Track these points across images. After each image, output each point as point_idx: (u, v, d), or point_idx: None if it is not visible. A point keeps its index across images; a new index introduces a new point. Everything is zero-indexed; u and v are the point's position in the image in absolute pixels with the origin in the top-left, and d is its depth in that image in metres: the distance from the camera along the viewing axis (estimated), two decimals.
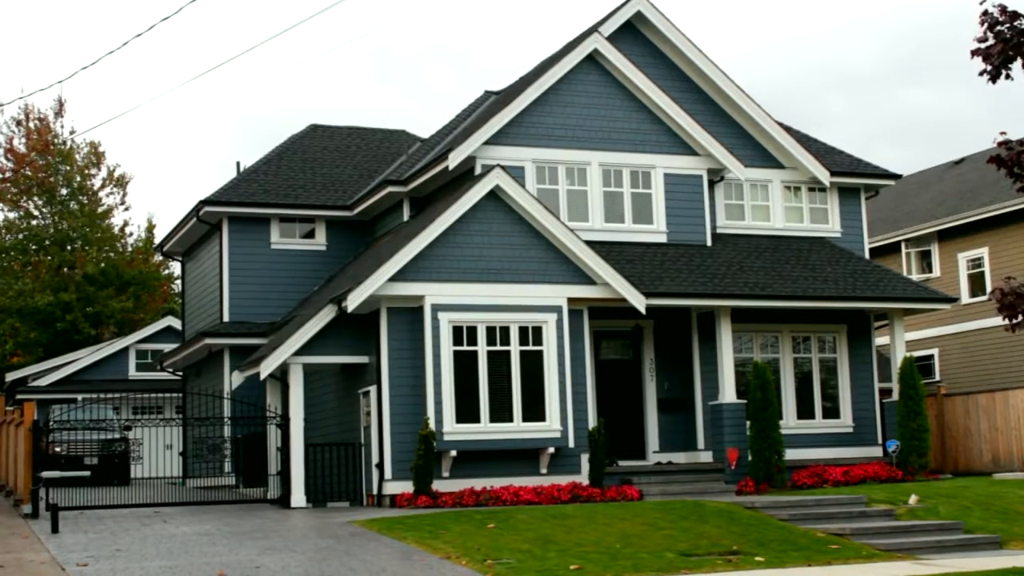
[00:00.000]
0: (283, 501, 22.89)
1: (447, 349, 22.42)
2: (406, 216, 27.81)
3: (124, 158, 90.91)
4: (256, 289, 29.71)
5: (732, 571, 16.02)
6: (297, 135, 35.03)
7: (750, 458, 24.28)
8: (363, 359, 23.64)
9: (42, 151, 53.84)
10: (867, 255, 29.23)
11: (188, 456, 31.22)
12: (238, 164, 34.65)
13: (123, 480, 31.30)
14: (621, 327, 25.92)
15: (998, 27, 14.32)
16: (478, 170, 24.71)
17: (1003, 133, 14.84)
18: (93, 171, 55.44)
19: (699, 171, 26.65)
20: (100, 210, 55.11)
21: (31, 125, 54.56)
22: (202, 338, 29.37)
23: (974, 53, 14.42)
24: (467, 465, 22.45)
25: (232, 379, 27.34)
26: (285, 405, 23.51)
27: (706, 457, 25.23)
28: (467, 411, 22.46)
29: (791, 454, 25.05)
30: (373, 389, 23.06)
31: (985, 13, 14.35)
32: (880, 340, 30.53)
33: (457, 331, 22.61)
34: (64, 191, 53.93)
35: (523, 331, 22.98)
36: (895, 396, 26.28)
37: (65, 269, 53.10)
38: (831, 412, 26.82)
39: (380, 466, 22.61)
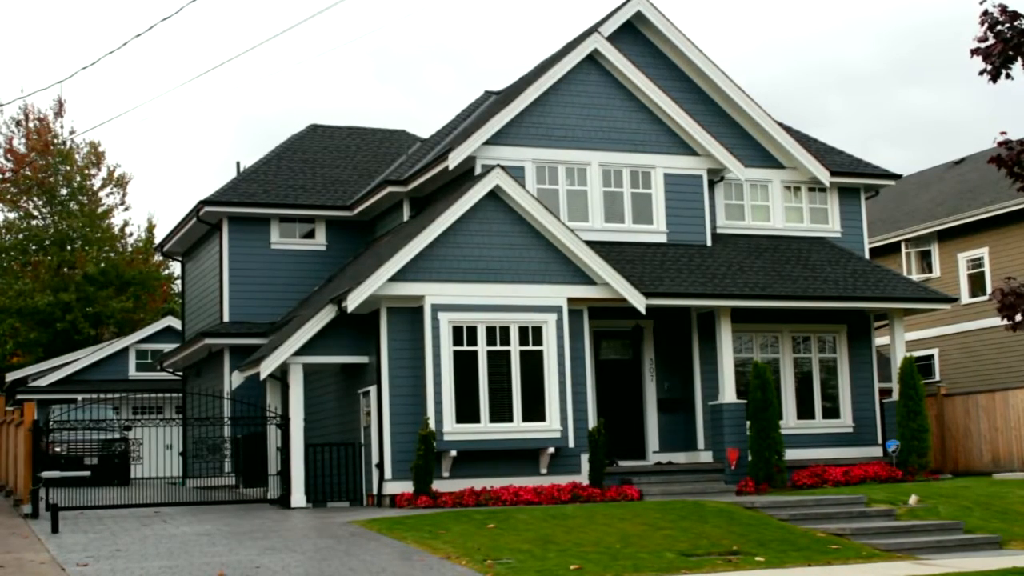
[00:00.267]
0: (283, 501, 22.89)
1: (447, 349, 22.42)
2: (406, 216, 27.81)
3: (124, 158, 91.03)
4: (256, 289, 29.70)
5: (732, 571, 16.03)
6: (297, 135, 35.04)
7: (750, 458, 24.28)
8: (363, 359, 23.64)
9: (42, 151, 53.83)
10: (867, 255, 29.24)
11: (188, 456, 31.22)
12: (238, 164, 34.67)
13: (123, 480, 31.29)
14: (621, 327, 25.92)
15: (998, 27, 14.33)
16: (478, 170, 24.71)
17: (1003, 133, 14.85)
18: (93, 171, 55.44)
19: (699, 171, 26.65)
20: (100, 210, 55.09)
21: (31, 125, 54.57)
22: (202, 338, 29.37)
23: (974, 52, 14.43)
24: (467, 465, 22.45)
25: (232, 379, 27.34)
26: (285, 405, 23.50)
27: (706, 457, 25.23)
28: (467, 411, 22.46)
29: (791, 454, 25.05)
30: (373, 389, 23.06)
31: (985, 13, 14.36)
32: (880, 340, 30.53)
33: (457, 331, 22.61)
34: (64, 191, 53.92)
35: (523, 331, 22.98)
36: (895, 396, 26.28)
37: (65, 269, 53.10)
38: (831, 412, 26.82)
39: (380, 466, 22.61)
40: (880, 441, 26.78)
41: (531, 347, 22.98)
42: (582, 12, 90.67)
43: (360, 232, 30.44)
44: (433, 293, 22.50)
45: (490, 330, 22.81)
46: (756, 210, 28.13)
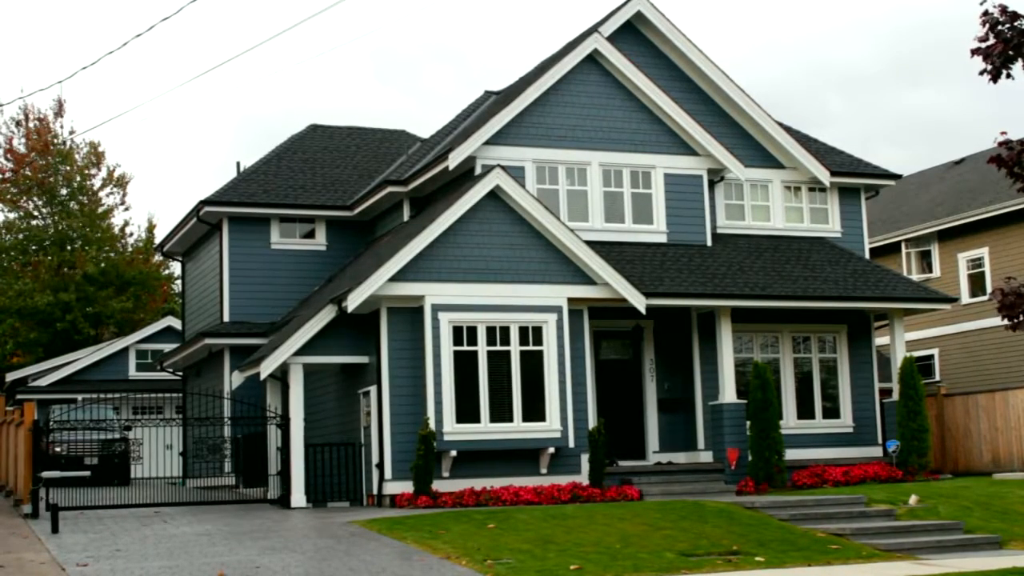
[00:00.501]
0: (283, 501, 22.89)
1: (447, 349, 22.42)
2: (406, 216, 27.81)
3: (124, 158, 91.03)
4: (256, 289, 29.70)
5: (732, 571, 16.03)
6: (297, 135, 35.03)
7: (750, 458, 24.28)
8: (363, 359, 23.64)
9: (42, 151, 53.82)
10: (867, 255, 29.23)
11: (188, 456, 31.22)
12: (238, 164, 34.67)
13: (123, 480, 31.29)
14: (621, 327, 25.92)
15: (998, 27, 14.33)
16: (478, 170, 24.71)
17: (1003, 133, 14.85)
18: (93, 171, 55.43)
19: (699, 171, 26.65)
20: (100, 210, 55.08)
21: (31, 125, 54.56)
22: (202, 338, 29.37)
23: (974, 52, 14.43)
24: (467, 465, 22.45)
25: (232, 379, 27.34)
26: (285, 405, 23.50)
27: (706, 457, 25.22)
28: (467, 411, 22.46)
29: (791, 454, 25.05)
30: (373, 389, 23.06)
31: (986, 13, 14.37)
32: (880, 340, 30.52)
33: (457, 331, 22.60)
34: (64, 191, 53.92)
35: (523, 331, 22.98)
36: (895, 396, 26.28)
37: (65, 269, 53.10)
38: (831, 412, 26.82)
39: (380, 466, 22.61)
40: (880, 441, 26.78)
41: (531, 347, 22.98)
42: (582, 12, 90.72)
43: (360, 232, 30.44)
44: (433, 293, 22.50)
45: (490, 330, 22.81)
46: (756, 210, 28.13)
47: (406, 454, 22.13)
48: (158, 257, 53.77)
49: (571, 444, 22.93)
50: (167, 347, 40.89)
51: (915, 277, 36.21)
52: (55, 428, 24.64)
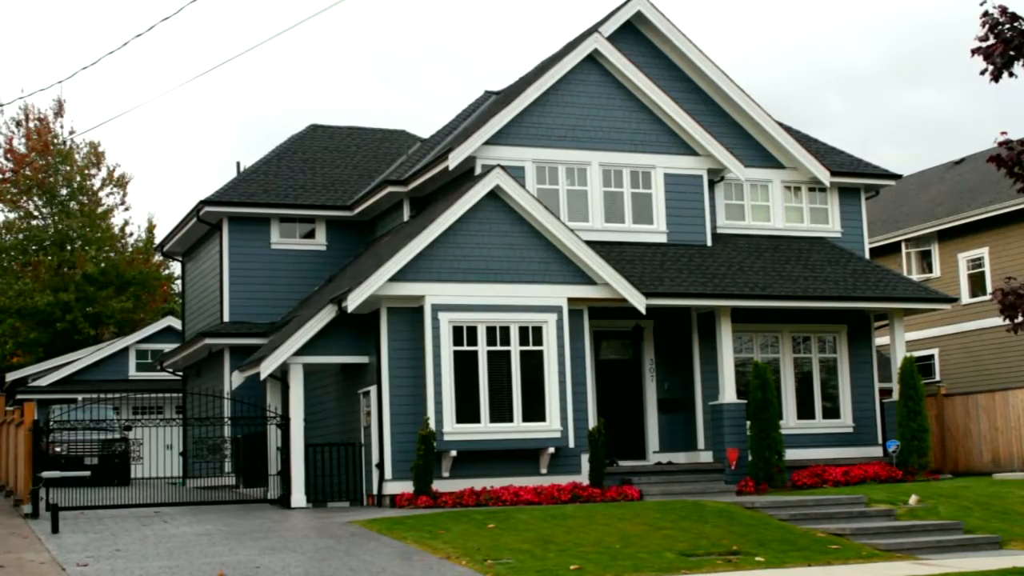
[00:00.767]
0: (283, 501, 22.89)
1: (447, 349, 22.42)
2: (406, 216, 27.81)
3: (124, 158, 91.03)
4: (256, 289, 29.70)
5: (732, 571, 16.03)
6: (297, 135, 35.03)
7: (750, 458, 24.28)
8: (363, 359, 23.64)
9: (42, 151, 53.82)
10: (867, 255, 29.23)
11: (188, 456, 31.22)
12: (238, 164, 34.67)
13: (123, 480, 31.28)
14: (621, 327, 25.92)
15: (999, 27, 14.34)
16: (478, 170, 24.71)
17: (1003, 133, 14.86)
18: (93, 171, 55.43)
19: (699, 171, 26.65)
20: (100, 210, 55.08)
21: (31, 125, 54.56)
22: (202, 338, 29.37)
23: (975, 52, 14.45)
24: (467, 465, 22.45)
25: (232, 379, 27.34)
26: (285, 405, 23.50)
27: (706, 457, 25.22)
28: (467, 411, 22.46)
29: (791, 454, 25.05)
30: (373, 389, 23.06)
31: (986, 14, 14.38)
32: (880, 340, 30.52)
33: (457, 331, 22.60)
34: (64, 191, 53.92)
35: (523, 331, 22.98)
36: (895, 396, 26.27)
37: (65, 269, 53.09)
38: (831, 412, 26.82)
39: (380, 466, 22.60)
40: (880, 441, 26.78)
41: (531, 347, 22.98)
42: (582, 12, 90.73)
43: (360, 232, 30.44)
44: (433, 293, 22.50)
45: (490, 330, 22.81)
46: (756, 210, 28.13)
47: (406, 454, 22.13)
48: (158, 257, 53.77)
49: (571, 444, 22.93)
50: (167, 347, 40.88)
51: (915, 277, 36.21)
52: (55, 428, 24.64)
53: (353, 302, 22.10)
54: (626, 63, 25.99)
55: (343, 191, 31.12)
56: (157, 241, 47.27)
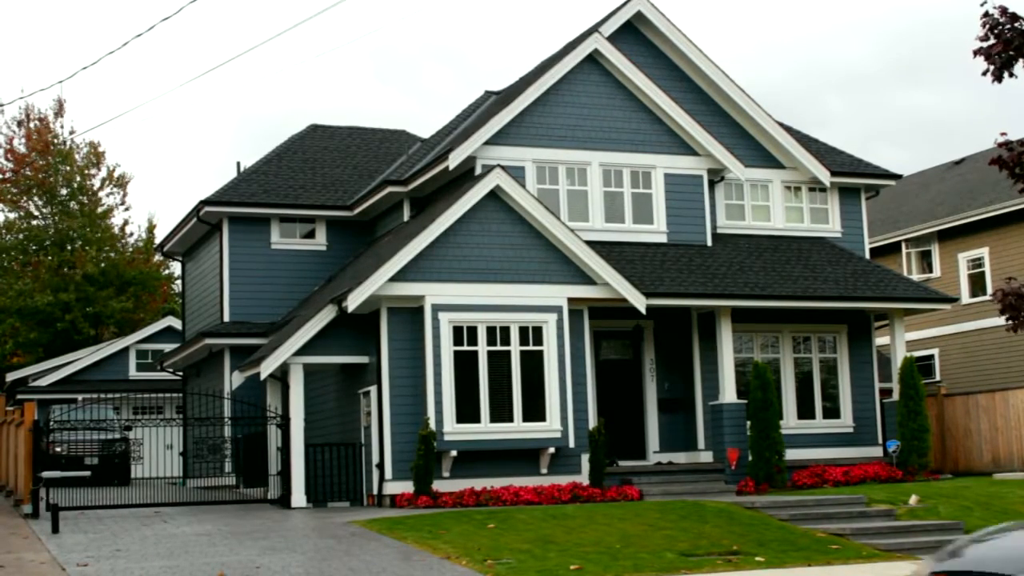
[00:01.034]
0: (283, 501, 22.88)
1: (447, 349, 22.42)
2: (406, 216, 27.81)
3: (124, 158, 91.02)
4: (256, 289, 29.69)
5: (732, 571, 16.02)
6: (297, 135, 35.02)
7: (750, 458, 24.27)
8: (363, 359, 23.64)
9: (42, 151, 53.83)
10: (867, 255, 29.23)
11: (188, 456, 31.21)
12: (238, 164, 34.65)
13: (123, 480, 31.28)
14: (621, 327, 25.92)
15: (999, 28, 14.37)
16: (478, 170, 24.71)
17: (1003, 134, 14.91)
18: (93, 171, 55.43)
19: (699, 171, 26.65)
20: (100, 210, 55.08)
21: (31, 125, 54.57)
22: (202, 338, 29.36)
23: (976, 53, 14.48)
24: (467, 465, 22.45)
25: (232, 379, 27.34)
26: (285, 405, 23.50)
27: (706, 457, 25.22)
28: (467, 411, 22.46)
29: (791, 454, 25.05)
30: (373, 389, 23.06)
31: (986, 15, 14.41)
32: (880, 340, 30.53)
33: (457, 331, 22.60)
34: (64, 191, 53.92)
35: (523, 331, 22.98)
36: (895, 396, 26.28)
37: (65, 269, 53.10)
38: (831, 412, 26.82)
39: (380, 466, 22.60)
40: (880, 441, 26.78)
41: (531, 347, 22.98)
42: (582, 12, 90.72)
43: (360, 232, 30.43)
44: (433, 293, 22.50)
45: (490, 330, 22.80)
46: (756, 210, 28.13)
47: (406, 454, 22.13)
48: (158, 257, 53.77)
49: (571, 444, 22.92)
50: (167, 347, 40.87)
51: (915, 277, 36.21)
52: (55, 428, 24.63)
53: (353, 302, 22.10)
54: (626, 63, 25.99)
55: (343, 191, 31.12)
56: (157, 241, 47.30)
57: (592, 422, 23.44)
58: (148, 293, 55.16)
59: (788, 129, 28.55)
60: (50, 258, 53.32)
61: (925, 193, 40.99)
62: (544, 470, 22.82)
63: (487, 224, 23.09)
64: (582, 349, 23.66)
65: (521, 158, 25.27)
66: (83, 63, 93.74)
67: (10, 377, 46.53)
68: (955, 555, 8.36)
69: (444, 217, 22.61)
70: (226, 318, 29.64)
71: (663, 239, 26.27)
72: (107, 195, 55.90)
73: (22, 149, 54.34)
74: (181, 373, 34.45)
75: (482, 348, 22.72)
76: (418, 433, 21.77)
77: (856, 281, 26.40)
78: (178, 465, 33.07)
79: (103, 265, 53.38)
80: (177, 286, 55.49)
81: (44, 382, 43.84)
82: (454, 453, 22.23)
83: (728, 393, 24.91)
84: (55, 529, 18.54)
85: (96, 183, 55.48)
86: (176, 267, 53.39)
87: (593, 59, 25.99)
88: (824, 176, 28.13)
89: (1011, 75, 14.25)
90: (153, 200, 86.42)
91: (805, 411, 26.55)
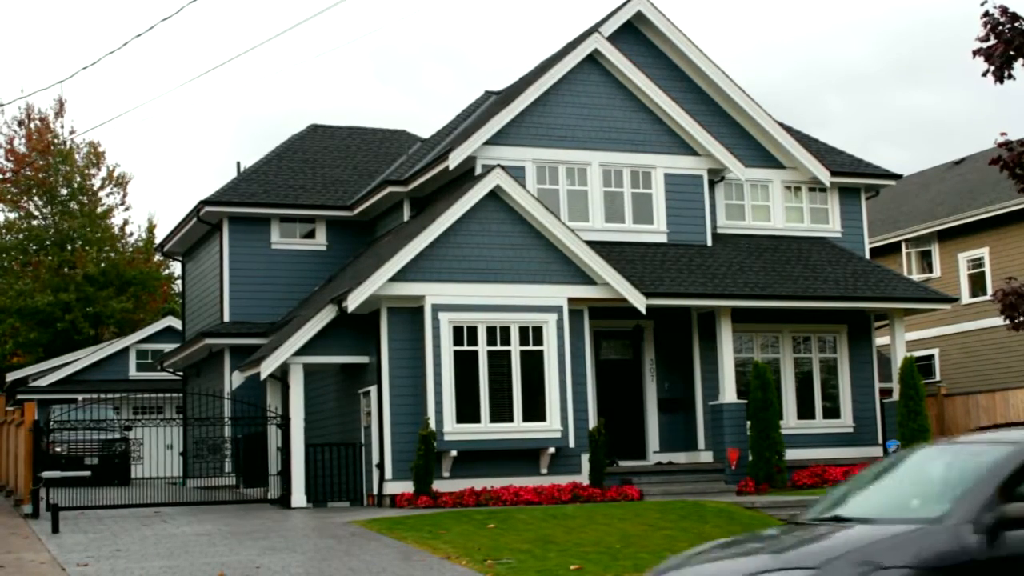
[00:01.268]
0: (283, 501, 22.88)
1: (447, 349, 22.42)
2: (406, 216, 27.80)
3: (124, 158, 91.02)
4: (256, 289, 29.69)
5: None
6: (297, 135, 35.01)
7: (750, 458, 24.27)
8: (363, 359, 23.63)
9: (42, 151, 53.83)
10: (867, 255, 29.23)
11: (188, 456, 31.21)
12: (238, 164, 34.65)
13: (123, 480, 31.26)
14: (621, 327, 25.92)
15: (999, 28, 14.36)
16: (478, 170, 24.71)
17: (1003, 134, 14.91)
18: (93, 171, 55.43)
19: (699, 171, 26.65)
20: (100, 210, 55.07)
21: (32, 125, 54.57)
22: (202, 338, 29.36)
23: (976, 53, 14.48)
24: (467, 465, 22.45)
25: (232, 379, 27.33)
26: (285, 405, 23.50)
27: (706, 457, 25.22)
28: (467, 411, 22.46)
29: (791, 454, 25.04)
30: (373, 389, 23.05)
31: (987, 14, 14.41)
32: (880, 340, 30.52)
33: (457, 331, 22.60)
34: (64, 191, 53.92)
35: (523, 331, 22.98)
36: (895, 396, 26.27)
37: (65, 269, 53.09)
38: (831, 412, 26.82)
39: (380, 466, 22.60)
40: (880, 441, 26.77)
41: (531, 347, 22.98)
42: (582, 12, 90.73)
43: (360, 232, 30.42)
44: (433, 293, 22.50)
45: (490, 330, 22.80)
46: (756, 210, 28.13)
47: (406, 454, 22.12)
48: (158, 257, 53.75)
49: (571, 444, 22.92)
50: (167, 347, 40.86)
51: (915, 277, 36.20)
52: (55, 428, 24.63)
53: (353, 302, 22.10)
54: (626, 63, 25.99)
55: (343, 191, 31.12)
56: (157, 241, 47.27)
57: (592, 422, 23.44)
58: (148, 293, 55.15)
59: (788, 129, 28.55)
60: (50, 258, 53.32)
61: (925, 193, 40.99)
62: (544, 470, 22.82)
63: (487, 224, 23.09)
64: (582, 349, 23.66)
65: (521, 158, 25.27)
66: (83, 63, 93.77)
67: (10, 377, 46.52)
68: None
69: (444, 217, 22.61)
70: (226, 318, 29.64)
71: (663, 239, 26.27)
72: (107, 195, 55.94)
73: (22, 149, 54.33)
74: (181, 373, 34.44)
75: (482, 348, 22.71)
76: (418, 433, 21.77)
77: (856, 281, 26.40)
78: (178, 465, 33.06)
79: (103, 265, 53.36)
80: (177, 286, 55.47)
81: (44, 382, 43.83)
82: (454, 453, 22.23)
83: (728, 393, 24.91)
84: (55, 529, 18.55)
85: (96, 183, 55.48)
86: (176, 267, 53.39)
87: (593, 59, 25.99)
88: (824, 176, 28.13)
89: (1010, 76, 14.26)
90: (153, 200, 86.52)
91: (805, 411, 26.55)
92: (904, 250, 38.34)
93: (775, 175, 28.21)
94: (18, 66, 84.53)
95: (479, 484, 22.03)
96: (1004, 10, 14.18)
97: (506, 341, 22.84)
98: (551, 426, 22.80)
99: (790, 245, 27.67)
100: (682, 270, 25.26)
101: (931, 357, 37.22)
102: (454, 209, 22.74)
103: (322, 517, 20.56)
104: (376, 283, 22.06)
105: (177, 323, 42.56)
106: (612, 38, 26.41)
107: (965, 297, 35.93)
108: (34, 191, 53.73)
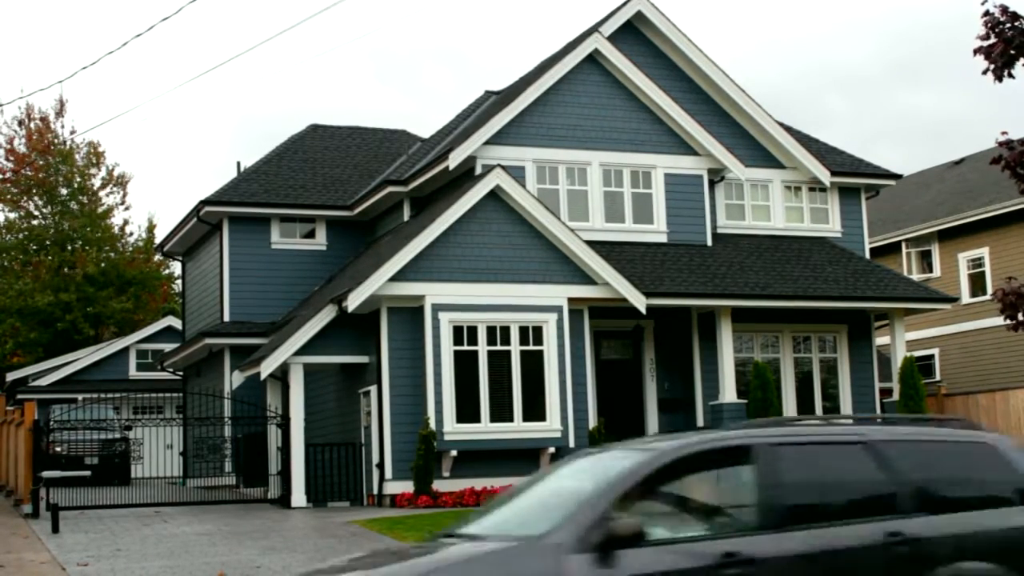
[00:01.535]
0: (283, 501, 22.88)
1: (447, 349, 22.41)
2: (406, 216, 27.80)
3: (124, 158, 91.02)
4: (256, 289, 29.67)
5: None
6: (297, 135, 35.00)
7: None
8: (363, 359, 23.63)
9: (42, 151, 53.83)
10: (867, 255, 29.23)
11: (188, 456, 31.21)
12: (238, 164, 34.65)
13: (123, 480, 31.25)
14: (621, 327, 25.91)
15: (1000, 27, 14.37)
16: (478, 170, 24.70)
17: (1004, 133, 14.91)
18: (93, 171, 55.42)
19: (699, 171, 26.64)
20: (100, 210, 55.06)
21: (32, 125, 54.57)
22: (202, 338, 29.36)
23: (977, 52, 14.48)
24: (467, 465, 22.44)
25: (232, 379, 27.33)
26: (285, 405, 23.50)
27: None
28: (467, 411, 22.46)
29: None
30: (373, 389, 23.05)
31: (987, 14, 14.41)
32: (880, 340, 30.51)
33: (457, 331, 22.60)
34: (64, 191, 53.92)
35: (523, 331, 22.98)
36: (895, 396, 26.27)
37: (65, 269, 53.09)
38: (831, 412, 26.79)
39: (380, 466, 22.60)
40: None
41: (531, 347, 22.98)
42: (582, 12, 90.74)
43: (360, 232, 30.42)
44: (433, 293, 22.50)
45: (490, 330, 22.80)
46: (756, 210, 28.12)
47: (406, 454, 22.12)
48: (158, 257, 53.74)
49: (571, 444, 22.91)
50: (167, 347, 40.84)
51: (915, 277, 36.19)
52: (55, 428, 24.64)
53: (353, 302, 22.10)
54: (626, 63, 25.98)
55: (343, 191, 31.11)
56: (157, 241, 47.25)
57: (592, 422, 23.45)
58: (148, 293, 55.14)
59: (788, 129, 28.55)
60: (50, 258, 53.32)
61: (925, 193, 40.98)
62: None
63: (487, 224, 23.09)
64: (582, 349, 23.66)
65: (521, 158, 25.27)
66: (83, 63, 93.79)
67: (10, 377, 46.52)
68: None
69: (444, 217, 22.61)
70: (226, 318, 29.63)
71: (663, 239, 26.26)
72: (107, 195, 55.94)
73: (23, 149, 54.33)
74: (181, 373, 34.44)
75: (482, 348, 22.71)
76: (418, 433, 21.77)
77: (856, 281, 26.40)
78: (178, 465, 33.05)
79: (103, 265, 53.35)
80: (177, 286, 55.45)
81: (44, 382, 43.82)
82: (454, 453, 22.23)
83: (728, 393, 24.91)
84: (55, 529, 18.54)
85: (96, 183, 55.48)
86: (176, 267, 53.37)
87: (593, 59, 25.99)
88: (824, 176, 28.12)
89: (1010, 75, 14.26)
90: (153, 200, 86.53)
91: (805, 411, 26.53)
92: (904, 250, 38.33)
93: (775, 175, 28.20)
94: (18, 66, 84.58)
95: (479, 484, 22.02)
96: (1004, 9, 14.19)
97: (506, 341, 22.84)
98: (551, 426, 22.80)
99: (790, 245, 27.66)
100: (682, 270, 25.26)
101: (931, 357, 37.21)
102: (454, 209, 22.74)
103: (322, 517, 20.55)
104: (376, 283, 22.06)
105: (177, 323, 42.55)
106: (612, 38, 26.41)
107: (965, 297, 35.91)
108: (34, 191, 53.73)
